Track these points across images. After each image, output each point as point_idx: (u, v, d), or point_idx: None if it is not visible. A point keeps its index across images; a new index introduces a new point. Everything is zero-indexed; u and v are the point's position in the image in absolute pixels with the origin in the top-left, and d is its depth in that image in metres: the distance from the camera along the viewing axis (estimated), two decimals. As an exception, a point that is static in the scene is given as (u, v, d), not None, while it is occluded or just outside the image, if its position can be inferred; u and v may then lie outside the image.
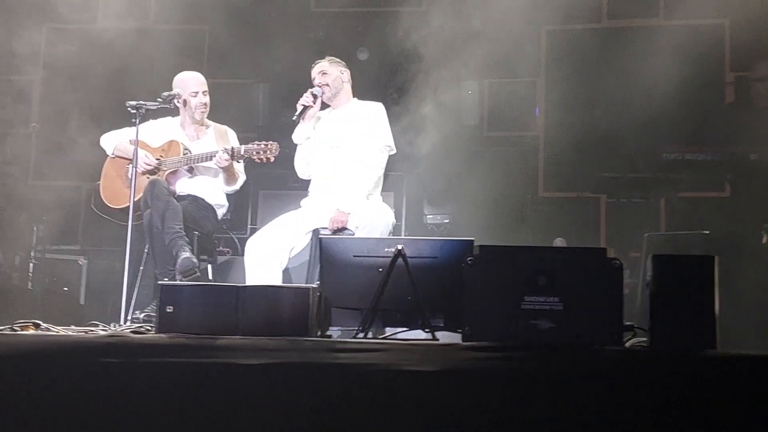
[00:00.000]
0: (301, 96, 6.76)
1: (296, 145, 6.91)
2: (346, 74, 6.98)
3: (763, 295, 6.86)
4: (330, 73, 6.87)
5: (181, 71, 7.19)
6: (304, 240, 6.62)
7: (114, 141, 7.05)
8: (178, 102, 6.98)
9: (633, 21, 9.78)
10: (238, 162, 6.85)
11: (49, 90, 10.03)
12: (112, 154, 7.07)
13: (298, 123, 6.77)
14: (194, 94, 7.00)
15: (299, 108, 6.70)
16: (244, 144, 6.77)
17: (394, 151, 6.90)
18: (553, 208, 9.66)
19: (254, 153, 6.60)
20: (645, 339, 4.44)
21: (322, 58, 6.98)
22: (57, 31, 9.93)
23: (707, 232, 7.32)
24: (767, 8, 8.21)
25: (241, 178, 7.05)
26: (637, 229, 7.96)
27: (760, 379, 3.85)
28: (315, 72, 6.91)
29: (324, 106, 6.91)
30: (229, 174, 6.86)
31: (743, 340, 5.78)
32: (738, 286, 6.54)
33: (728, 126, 7.97)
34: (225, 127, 7.20)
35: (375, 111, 6.88)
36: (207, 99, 7.05)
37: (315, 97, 6.75)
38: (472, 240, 4.72)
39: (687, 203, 8.48)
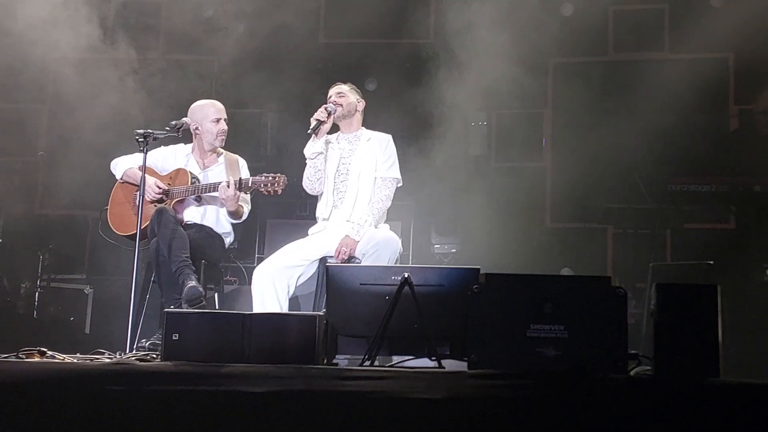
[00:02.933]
0: (309, 125, 6.77)
1: (305, 164, 6.89)
2: (362, 105, 7.01)
3: (765, 324, 6.89)
4: (347, 96, 6.91)
5: (189, 101, 7.20)
6: (311, 268, 6.62)
7: (124, 166, 7.03)
8: (194, 130, 6.99)
9: (639, 54, 9.84)
10: (246, 193, 6.86)
11: (57, 118, 10.07)
12: (121, 179, 7.07)
13: (310, 137, 6.77)
14: (216, 121, 6.99)
15: (313, 122, 6.70)
16: (253, 175, 6.79)
17: (401, 183, 6.91)
18: (561, 239, 9.67)
19: (261, 185, 6.59)
20: (649, 367, 4.45)
21: (330, 88, 7.01)
22: (65, 60, 9.99)
23: (711, 262, 7.34)
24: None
25: (247, 209, 7.03)
26: (643, 259, 7.99)
27: (763, 407, 3.85)
28: (333, 91, 6.93)
29: (333, 129, 6.92)
30: (233, 206, 6.83)
31: (746, 369, 5.79)
32: (741, 315, 6.56)
33: (733, 158, 8.02)
34: (236, 157, 7.18)
35: (384, 142, 6.90)
36: (226, 126, 7.06)
37: (329, 113, 6.77)
38: (478, 268, 4.74)
39: (692, 234, 8.50)
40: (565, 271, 8.68)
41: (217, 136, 7.00)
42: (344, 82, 7.04)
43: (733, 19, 8.61)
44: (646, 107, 8.65)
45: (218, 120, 7.01)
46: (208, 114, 7.01)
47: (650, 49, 9.81)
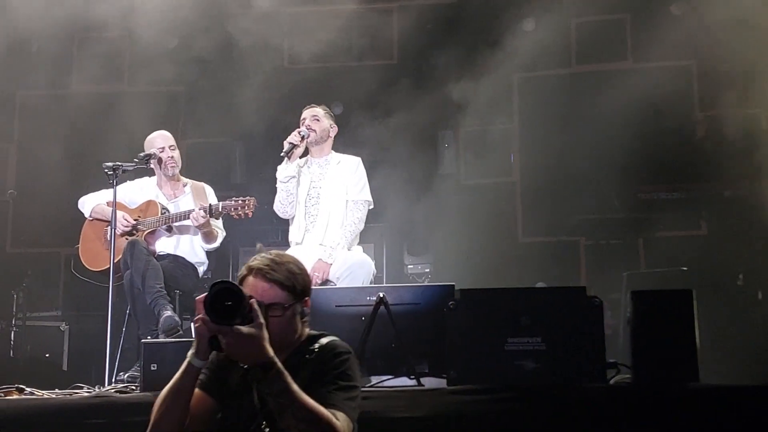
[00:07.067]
0: (279, 151, 6.75)
1: (276, 189, 6.86)
2: (334, 130, 6.97)
3: (741, 328, 6.91)
4: (321, 122, 6.87)
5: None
6: (286, 293, 6.58)
7: (92, 203, 7.05)
8: (152, 162, 6.99)
9: (602, 65, 9.86)
10: (216, 219, 6.86)
11: (25, 157, 10.02)
12: (90, 216, 7.06)
13: (279, 164, 6.75)
14: (161, 150, 7.00)
15: (287, 146, 6.67)
16: (222, 201, 6.78)
17: (372, 206, 6.90)
18: (533, 253, 9.64)
19: (232, 209, 6.59)
20: (629, 375, 4.46)
21: (297, 113, 6.98)
22: (31, 97, 9.95)
23: (685, 268, 7.36)
24: (732, 50, 8.30)
25: (221, 234, 7.03)
26: (617, 269, 7.97)
27: (743, 408, 3.87)
28: (307, 114, 6.89)
29: (303, 153, 6.90)
30: (207, 231, 6.84)
31: (724, 373, 5.79)
32: (717, 320, 6.58)
33: (701, 165, 8.05)
34: (202, 184, 7.19)
35: (354, 165, 6.89)
36: (175, 153, 7.05)
37: (302, 137, 6.75)
38: (453, 284, 4.75)
39: (665, 242, 8.52)
40: (540, 286, 8.66)
41: (166, 164, 7.01)
42: (297, 114, 7.01)
43: (695, 27, 8.65)
44: (612, 117, 8.66)
45: (163, 148, 7.02)
46: (155, 144, 7.06)
47: (613, 59, 9.83)
